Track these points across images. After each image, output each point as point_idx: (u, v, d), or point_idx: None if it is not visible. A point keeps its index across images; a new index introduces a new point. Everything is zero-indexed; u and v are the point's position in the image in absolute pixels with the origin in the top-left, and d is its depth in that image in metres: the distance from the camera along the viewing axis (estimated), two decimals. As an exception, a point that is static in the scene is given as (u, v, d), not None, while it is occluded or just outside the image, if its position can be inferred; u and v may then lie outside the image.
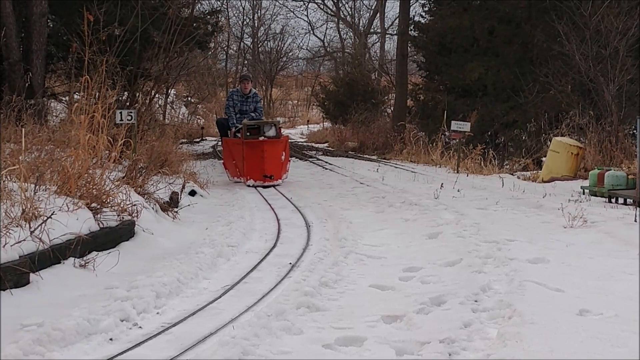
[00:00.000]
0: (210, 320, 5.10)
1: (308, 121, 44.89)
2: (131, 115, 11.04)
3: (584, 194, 11.81)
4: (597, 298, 5.45)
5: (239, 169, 13.86)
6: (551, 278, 6.02)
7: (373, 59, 41.50)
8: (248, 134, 13.59)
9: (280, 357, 4.38)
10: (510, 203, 10.79)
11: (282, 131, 14.42)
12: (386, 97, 31.78)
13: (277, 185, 13.33)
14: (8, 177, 6.80)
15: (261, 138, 13.51)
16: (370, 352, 4.54)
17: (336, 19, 46.09)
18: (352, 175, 15.74)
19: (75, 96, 11.34)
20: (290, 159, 14.90)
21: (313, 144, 30.69)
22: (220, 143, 19.71)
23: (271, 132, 13.71)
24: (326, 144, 29.88)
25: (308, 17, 69.90)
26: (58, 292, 5.56)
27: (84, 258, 6.33)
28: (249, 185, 13.25)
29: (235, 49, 49.43)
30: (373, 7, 42.96)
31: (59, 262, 6.06)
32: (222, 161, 15.87)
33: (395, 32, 35.71)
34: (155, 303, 5.43)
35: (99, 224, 7.07)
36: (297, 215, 10.04)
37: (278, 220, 9.55)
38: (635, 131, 14.94)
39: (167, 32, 13.81)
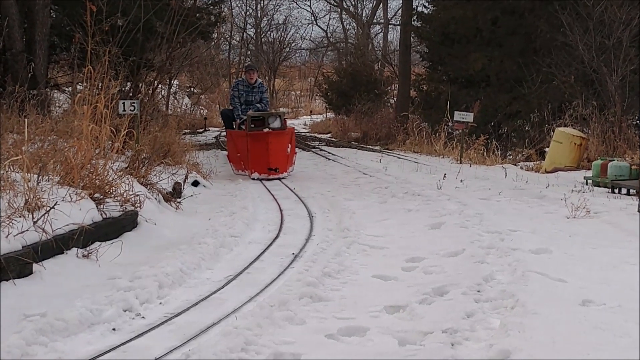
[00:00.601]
0: (213, 311, 5.10)
1: (311, 112, 44.84)
2: (134, 106, 11.04)
3: (587, 184, 11.81)
4: (600, 288, 5.45)
5: (243, 162, 13.54)
6: (554, 268, 6.02)
7: (376, 49, 41.43)
8: (252, 125, 13.25)
9: (283, 347, 4.39)
10: (513, 193, 10.79)
11: (286, 122, 14.02)
12: (389, 88, 31.74)
13: (283, 178, 13.05)
14: (11, 168, 6.81)
15: (266, 130, 13.14)
16: (372, 342, 4.54)
17: (339, 10, 45.98)
18: (355, 165, 15.73)
19: (78, 87, 11.35)
20: (296, 151, 14.55)
21: (316, 135, 30.66)
22: (223, 134, 19.65)
23: (276, 124, 13.35)
24: (329, 135, 29.85)
25: (311, 8, 69.54)
26: (61, 283, 5.57)
27: (87, 248, 6.34)
28: (253, 179, 12.91)
29: (238, 39, 49.33)
30: (376, -2, 42.88)
31: (62, 253, 6.07)
32: (225, 152, 15.78)
33: (398, 22, 35.58)
34: (158, 293, 5.44)
35: (101, 215, 7.08)
36: (300, 205, 10.04)
37: (281, 210, 9.56)
38: (638, 121, 14.93)
39: (170, 23, 13.77)
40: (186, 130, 23.98)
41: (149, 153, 10.17)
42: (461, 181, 11.98)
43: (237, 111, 14.16)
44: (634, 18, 15.47)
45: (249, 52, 49.36)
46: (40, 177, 6.71)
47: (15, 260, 5.34)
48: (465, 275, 5.95)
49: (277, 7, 50.64)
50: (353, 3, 44.81)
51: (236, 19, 47.92)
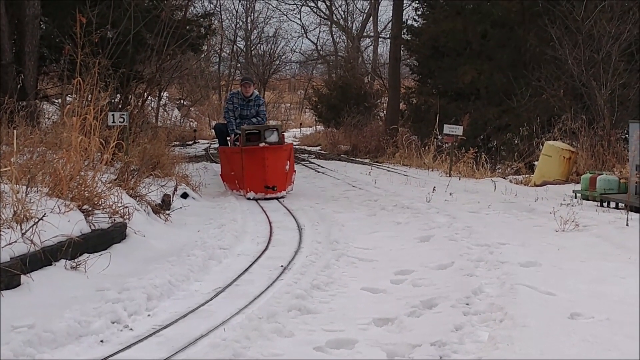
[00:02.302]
0: (202, 323, 5.09)
1: (301, 124, 44.93)
2: (123, 118, 10.99)
3: (576, 197, 11.83)
4: (589, 301, 5.46)
5: (238, 181, 12.52)
6: (543, 281, 6.03)
7: (366, 62, 41.47)
8: (247, 140, 12.34)
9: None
10: (502, 207, 10.80)
11: (284, 137, 13.14)
12: (379, 101, 31.77)
13: (281, 197, 12.07)
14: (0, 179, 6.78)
15: (262, 144, 12.20)
16: (361, 355, 4.54)
17: (329, 23, 46.09)
18: (345, 178, 15.74)
19: (68, 98, 11.32)
20: (295, 170, 13.64)
21: (306, 147, 30.68)
22: (213, 146, 19.51)
23: (273, 138, 12.39)
24: (319, 147, 29.89)
25: (301, 21, 70.15)
26: (49, 294, 5.54)
27: (76, 260, 6.31)
28: (248, 199, 11.94)
29: (228, 51, 49.45)
30: (366, 11, 43.05)
31: (50, 264, 6.05)
32: (214, 164, 15.65)
33: (388, 35, 35.71)
34: (147, 305, 5.43)
35: (90, 226, 7.06)
36: (289, 218, 10.04)
37: (270, 223, 9.55)
38: (627, 135, 14.98)
39: (160, 35, 13.77)
40: (176, 143, 23.97)
41: (138, 165, 10.16)
42: (450, 194, 11.99)
43: (232, 125, 13.27)
44: (623, 32, 15.55)
45: (239, 65, 49.45)
46: (29, 189, 6.68)
47: (4, 272, 5.32)
48: (454, 288, 5.96)
49: (268, 20, 50.68)
50: (343, 16, 45.02)
51: (226, 32, 48.10)
